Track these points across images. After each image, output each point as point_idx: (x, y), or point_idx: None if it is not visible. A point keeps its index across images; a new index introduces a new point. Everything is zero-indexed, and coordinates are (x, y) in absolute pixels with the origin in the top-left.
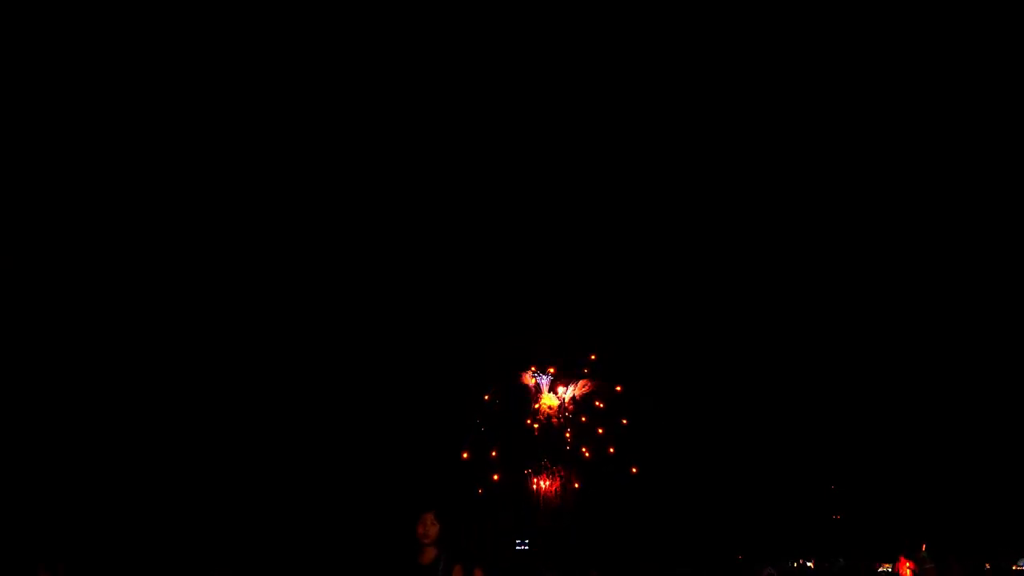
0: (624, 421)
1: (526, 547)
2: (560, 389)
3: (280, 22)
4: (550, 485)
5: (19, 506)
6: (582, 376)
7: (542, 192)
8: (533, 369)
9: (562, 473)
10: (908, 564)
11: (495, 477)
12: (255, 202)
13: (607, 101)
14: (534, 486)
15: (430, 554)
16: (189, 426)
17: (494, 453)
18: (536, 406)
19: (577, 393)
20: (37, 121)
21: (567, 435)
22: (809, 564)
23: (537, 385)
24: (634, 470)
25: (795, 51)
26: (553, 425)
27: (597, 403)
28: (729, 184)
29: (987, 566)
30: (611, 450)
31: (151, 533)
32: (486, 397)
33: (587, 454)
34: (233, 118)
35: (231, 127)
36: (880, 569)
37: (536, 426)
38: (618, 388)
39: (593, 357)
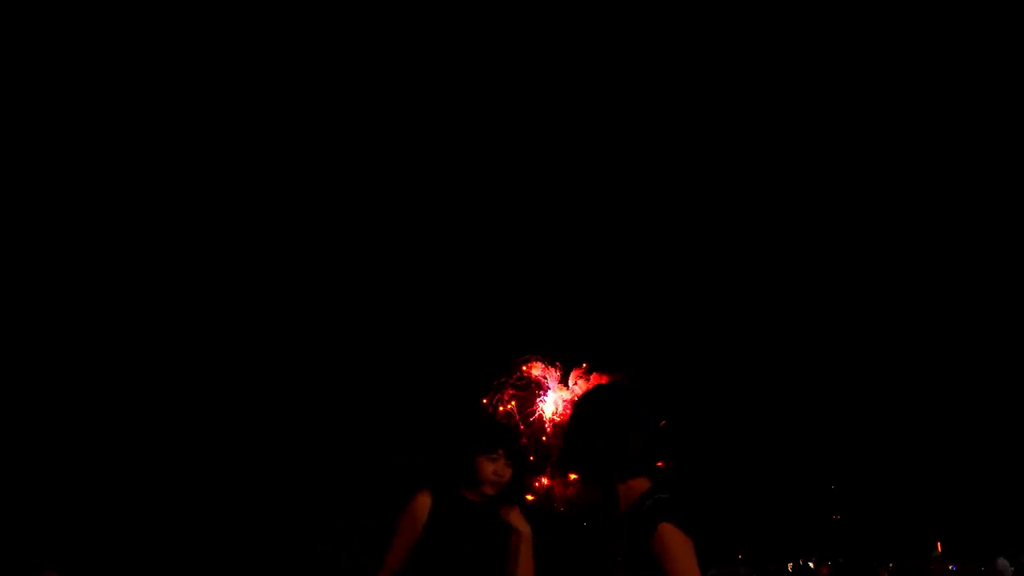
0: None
1: None
2: (570, 383)
3: (280, 22)
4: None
5: (23, 510)
6: (592, 370)
7: (548, 185)
8: (556, 369)
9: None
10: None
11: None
12: (255, 202)
13: (610, 98)
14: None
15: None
16: (192, 429)
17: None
18: (541, 403)
19: (592, 385)
20: (37, 121)
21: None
22: (810, 564)
23: (545, 378)
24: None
25: (795, 51)
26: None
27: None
28: (731, 184)
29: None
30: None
31: (155, 539)
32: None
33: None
34: (233, 118)
35: (231, 127)
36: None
37: (547, 422)
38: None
39: (585, 366)
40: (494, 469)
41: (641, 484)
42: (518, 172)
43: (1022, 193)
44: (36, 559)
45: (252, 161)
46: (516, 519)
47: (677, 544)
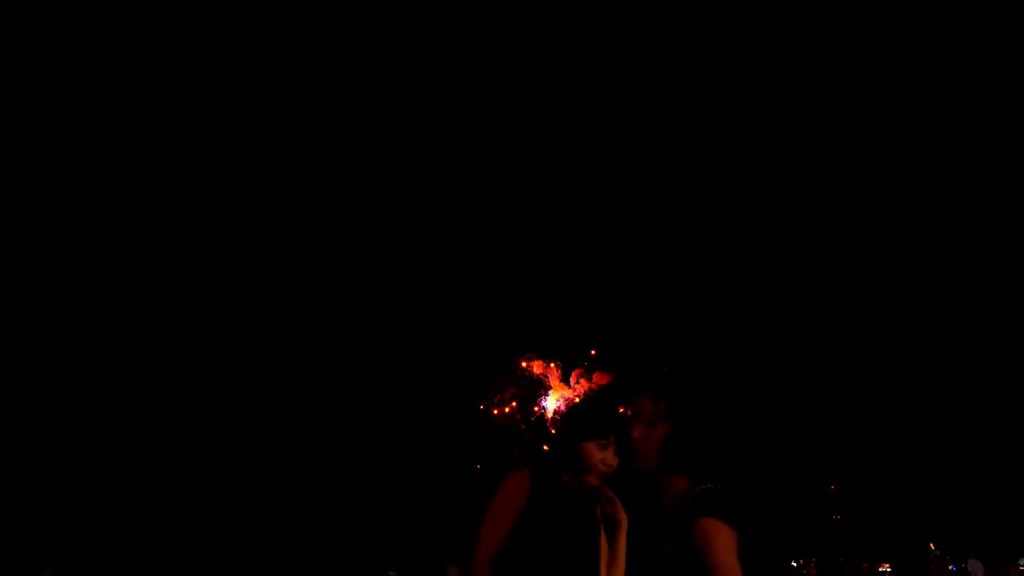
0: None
1: None
2: (571, 382)
3: (280, 22)
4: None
5: (23, 510)
6: (595, 368)
7: (547, 187)
8: (554, 365)
9: None
10: None
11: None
12: (255, 203)
13: (610, 99)
14: None
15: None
16: (192, 430)
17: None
18: (543, 402)
19: (594, 383)
20: (37, 121)
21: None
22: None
23: (545, 377)
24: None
25: (794, 51)
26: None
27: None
28: (730, 184)
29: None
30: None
31: (155, 538)
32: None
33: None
34: (233, 119)
35: (231, 128)
36: (880, 569)
37: (548, 419)
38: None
39: (593, 353)
40: (603, 458)
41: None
42: (518, 174)
43: (1022, 193)
44: (36, 559)
45: (252, 162)
46: (616, 510)
47: (718, 539)
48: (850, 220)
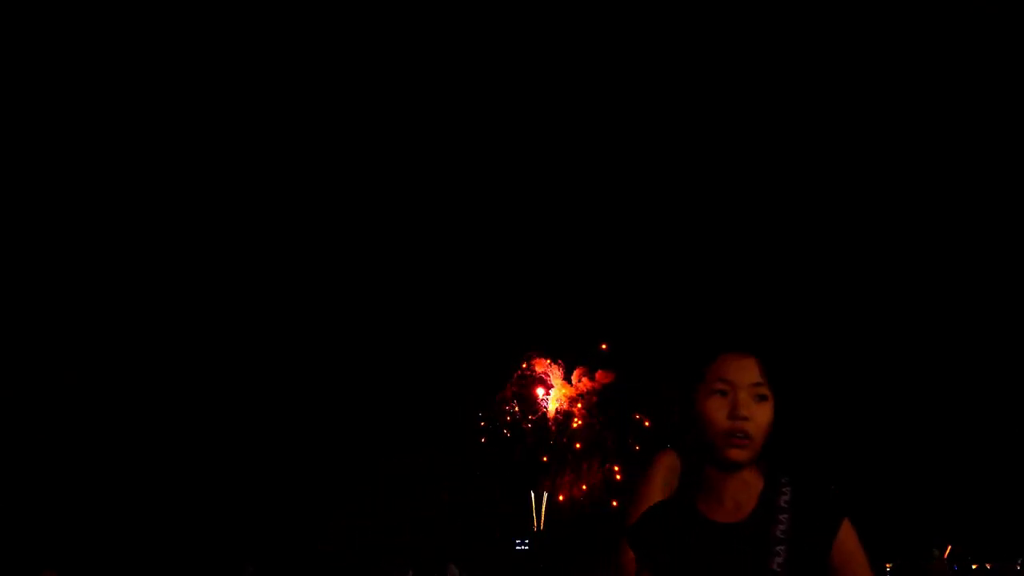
0: (639, 416)
1: (526, 547)
2: (573, 380)
3: (280, 22)
4: (571, 480)
5: (23, 510)
6: (598, 366)
7: (549, 187)
8: (548, 361)
9: (584, 466)
10: None
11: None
12: (255, 203)
13: (609, 99)
14: (554, 483)
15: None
16: (192, 430)
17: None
18: (547, 398)
19: (596, 383)
20: (37, 121)
21: (594, 426)
22: None
23: (547, 375)
24: None
25: (794, 51)
26: (573, 415)
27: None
28: (729, 185)
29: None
30: (636, 448)
31: (154, 539)
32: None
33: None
34: (233, 119)
35: (231, 128)
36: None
37: (551, 418)
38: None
39: (604, 347)
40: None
41: (756, 473)
42: (520, 174)
43: (1020, 193)
44: (36, 559)
45: (252, 162)
46: None
47: (859, 545)
48: (849, 220)
